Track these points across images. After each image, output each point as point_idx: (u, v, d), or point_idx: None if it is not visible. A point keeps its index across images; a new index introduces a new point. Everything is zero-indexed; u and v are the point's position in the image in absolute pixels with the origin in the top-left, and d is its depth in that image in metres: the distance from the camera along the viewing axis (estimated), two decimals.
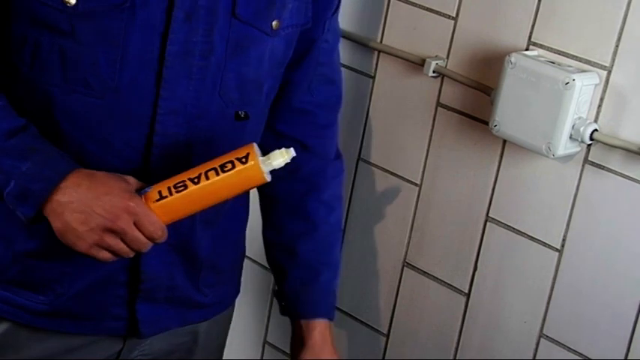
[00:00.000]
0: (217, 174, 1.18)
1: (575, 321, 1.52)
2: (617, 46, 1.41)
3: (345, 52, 1.75)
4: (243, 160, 1.17)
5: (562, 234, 1.52)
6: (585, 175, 1.48)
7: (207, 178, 1.18)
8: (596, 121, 1.44)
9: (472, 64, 1.57)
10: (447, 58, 1.61)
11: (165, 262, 1.32)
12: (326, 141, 1.46)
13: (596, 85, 1.43)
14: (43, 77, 1.22)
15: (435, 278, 1.70)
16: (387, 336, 1.79)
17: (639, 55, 1.39)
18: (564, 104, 1.41)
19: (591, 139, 1.43)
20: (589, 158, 1.47)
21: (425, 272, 1.71)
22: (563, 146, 1.43)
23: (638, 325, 1.45)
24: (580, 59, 1.45)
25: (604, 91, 1.43)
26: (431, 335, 1.72)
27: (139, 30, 1.20)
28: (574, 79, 1.40)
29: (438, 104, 1.64)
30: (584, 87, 1.41)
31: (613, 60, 1.42)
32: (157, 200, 1.19)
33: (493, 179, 1.59)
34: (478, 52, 1.56)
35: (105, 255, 1.20)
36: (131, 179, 1.22)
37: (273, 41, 1.30)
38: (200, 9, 1.21)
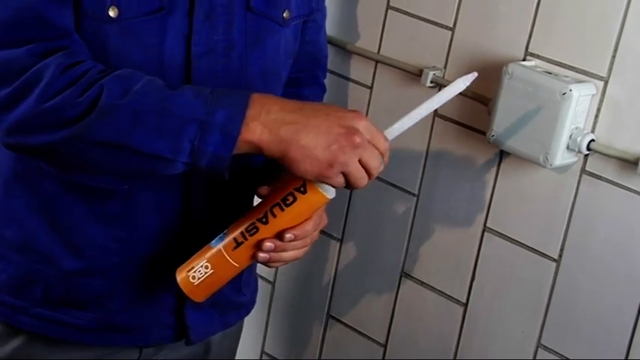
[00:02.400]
0: (282, 209, 1.19)
1: (573, 331, 1.52)
2: (613, 56, 1.41)
3: (342, 63, 1.76)
4: (302, 189, 1.18)
5: (560, 244, 1.52)
6: (582, 185, 1.48)
7: (274, 215, 1.19)
8: (593, 131, 1.44)
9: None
10: (445, 68, 1.61)
11: None
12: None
13: (593, 95, 1.43)
14: None
15: (432, 288, 1.70)
16: (385, 346, 1.79)
17: (636, 65, 1.40)
18: (561, 114, 1.41)
19: (588, 149, 1.43)
20: (586, 168, 1.47)
21: (423, 282, 1.71)
22: (561, 156, 1.44)
23: (635, 335, 1.45)
24: (577, 70, 1.45)
25: (601, 101, 1.43)
26: (429, 345, 1.72)
27: (169, 35, 1.20)
28: (571, 90, 1.40)
29: (436, 115, 1.64)
30: (581, 97, 1.41)
31: (610, 70, 1.42)
32: (235, 248, 1.20)
33: (490, 189, 1.59)
34: (475, 62, 1.56)
35: (339, 180, 1.14)
36: None
37: (285, 32, 1.32)
38: (218, 7, 1.22)
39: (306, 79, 1.48)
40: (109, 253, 1.27)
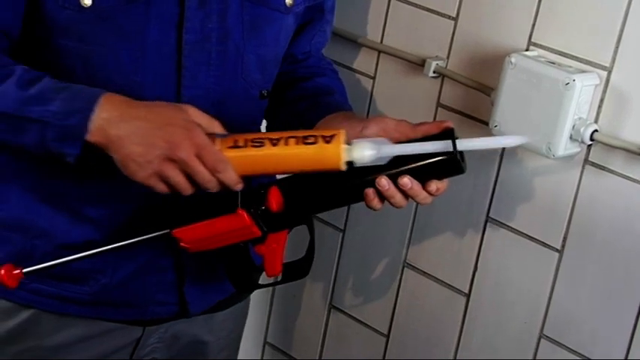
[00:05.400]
0: (297, 143, 1.15)
1: (576, 321, 1.52)
2: (617, 46, 1.41)
3: (345, 53, 1.76)
4: (328, 139, 1.14)
5: (562, 234, 1.52)
6: (585, 175, 1.48)
7: (287, 143, 1.15)
8: (596, 121, 1.44)
9: (472, 64, 1.57)
10: (448, 58, 1.61)
11: None
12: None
13: (596, 85, 1.43)
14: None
15: (435, 279, 1.70)
16: (387, 336, 1.79)
17: (639, 55, 1.39)
18: (564, 105, 1.41)
19: (591, 139, 1.43)
20: (589, 159, 1.47)
21: (425, 272, 1.71)
22: (564, 147, 1.43)
23: (638, 326, 1.45)
24: (580, 60, 1.45)
25: (604, 91, 1.43)
26: (431, 336, 1.72)
27: (155, 23, 1.21)
28: (574, 80, 1.40)
29: (439, 105, 1.64)
30: (585, 87, 1.41)
31: (613, 60, 1.42)
32: (231, 147, 1.16)
33: (493, 180, 1.59)
34: (478, 52, 1.56)
35: (162, 187, 1.16)
36: (190, 109, 1.17)
37: (287, 19, 1.32)
38: None
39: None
40: (101, 227, 1.29)
